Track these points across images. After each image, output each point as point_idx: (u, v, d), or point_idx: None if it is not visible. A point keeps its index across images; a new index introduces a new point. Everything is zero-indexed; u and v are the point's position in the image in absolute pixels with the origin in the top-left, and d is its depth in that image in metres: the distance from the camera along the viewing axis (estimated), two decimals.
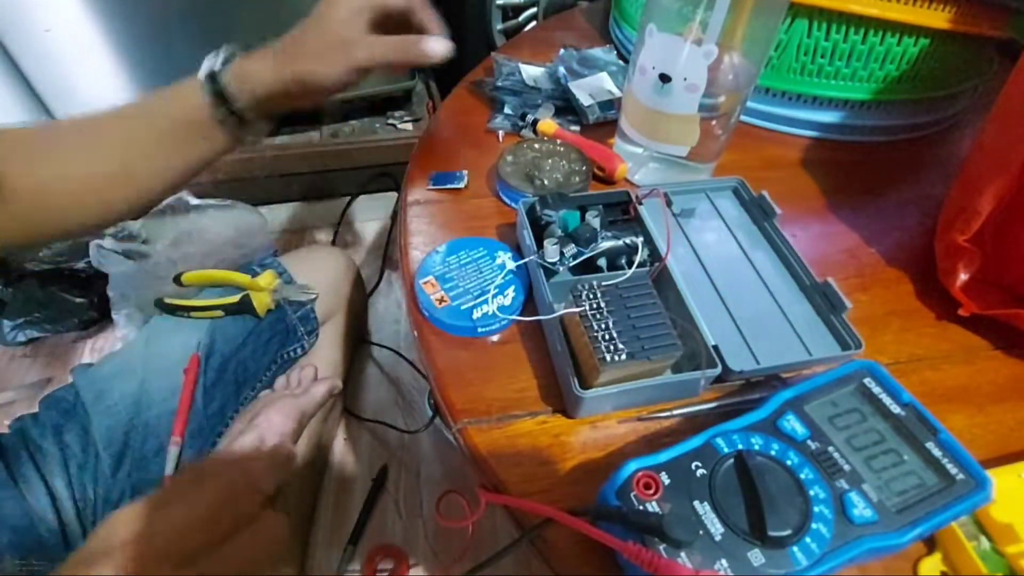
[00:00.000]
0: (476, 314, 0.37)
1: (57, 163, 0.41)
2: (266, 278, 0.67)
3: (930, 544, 0.29)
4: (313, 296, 0.72)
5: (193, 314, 0.65)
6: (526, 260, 0.38)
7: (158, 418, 0.61)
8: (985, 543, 0.28)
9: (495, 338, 0.37)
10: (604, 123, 0.55)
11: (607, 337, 0.30)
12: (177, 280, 0.67)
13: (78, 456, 0.58)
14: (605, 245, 0.37)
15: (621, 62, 0.62)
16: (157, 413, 0.61)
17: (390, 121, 1.33)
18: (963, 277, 0.40)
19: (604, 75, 0.59)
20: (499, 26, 1.40)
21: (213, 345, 0.65)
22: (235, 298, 0.65)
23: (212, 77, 0.41)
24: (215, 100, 0.41)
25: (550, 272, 0.37)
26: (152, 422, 0.60)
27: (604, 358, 0.29)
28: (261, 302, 0.66)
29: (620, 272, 0.35)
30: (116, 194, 0.44)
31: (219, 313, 0.65)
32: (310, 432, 0.74)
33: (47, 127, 0.46)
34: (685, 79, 0.40)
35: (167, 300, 0.65)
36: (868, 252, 0.45)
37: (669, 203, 0.42)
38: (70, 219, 0.44)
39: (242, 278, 0.66)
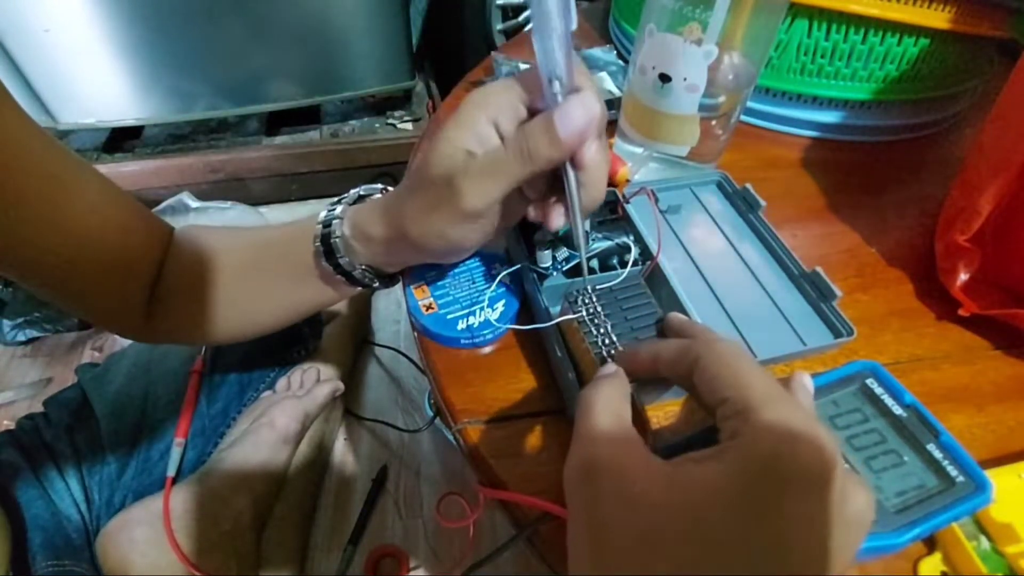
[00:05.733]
0: (461, 325, 0.36)
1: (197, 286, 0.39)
2: None
3: (930, 544, 0.29)
4: None
5: None
6: (518, 267, 0.37)
7: (164, 421, 0.61)
8: (985, 543, 0.28)
9: (487, 348, 0.37)
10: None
11: (606, 341, 0.30)
12: None
13: (88, 458, 0.58)
14: (596, 247, 0.37)
15: (621, 62, 0.62)
16: (163, 416, 0.61)
17: (390, 121, 1.33)
18: (963, 277, 0.40)
19: (604, 75, 0.59)
20: (499, 26, 1.40)
21: (219, 346, 0.65)
22: None
23: (326, 237, 0.34)
24: (328, 258, 0.34)
25: (543, 276, 0.36)
26: (159, 425, 0.60)
27: (606, 363, 0.29)
28: None
29: (614, 273, 0.35)
30: (224, 322, 0.41)
31: None
32: (312, 432, 0.74)
33: (217, 249, 0.40)
34: (685, 79, 0.40)
35: None
36: (868, 252, 0.45)
37: (656, 200, 0.42)
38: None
39: None
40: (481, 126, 0.27)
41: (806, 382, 0.24)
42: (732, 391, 0.20)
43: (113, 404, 0.60)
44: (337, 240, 0.33)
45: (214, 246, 0.40)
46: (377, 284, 0.36)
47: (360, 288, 0.36)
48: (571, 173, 0.27)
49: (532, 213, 0.31)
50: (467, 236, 0.29)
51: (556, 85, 0.25)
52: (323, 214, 0.34)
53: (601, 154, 0.27)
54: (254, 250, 0.39)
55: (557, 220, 0.29)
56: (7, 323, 1.01)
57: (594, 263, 0.37)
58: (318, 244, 0.34)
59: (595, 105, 0.25)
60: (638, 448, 0.21)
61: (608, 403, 0.22)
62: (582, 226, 0.30)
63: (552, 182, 0.29)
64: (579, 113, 0.25)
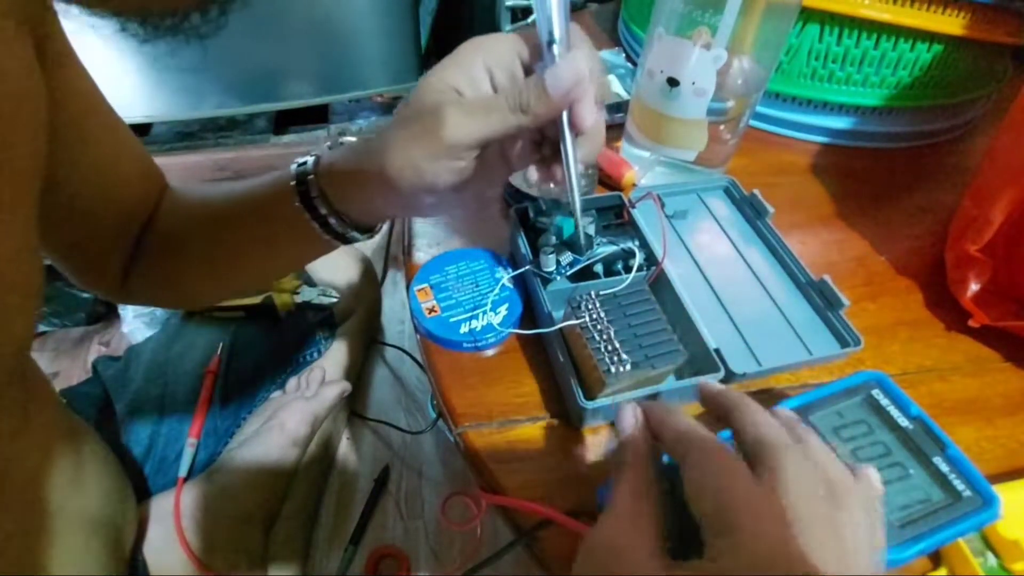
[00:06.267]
0: (464, 328, 0.36)
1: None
2: (287, 280, 0.68)
3: (935, 559, 0.29)
4: (334, 299, 0.72)
5: (216, 314, 0.65)
6: (521, 271, 0.37)
7: (180, 421, 0.61)
8: (992, 560, 0.28)
9: (490, 352, 0.37)
10: (611, 126, 0.54)
11: (609, 348, 0.30)
12: None
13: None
14: (601, 252, 0.36)
15: (630, 64, 0.62)
16: (179, 417, 0.61)
17: None
18: (974, 287, 0.39)
19: (612, 78, 0.58)
20: (508, 28, 1.40)
21: (234, 346, 0.65)
22: (257, 299, 0.65)
23: (301, 179, 0.33)
24: (305, 207, 0.33)
25: (547, 280, 0.36)
26: (175, 425, 0.61)
27: (609, 370, 0.29)
28: (283, 303, 0.66)
29: (618, 279, 0.34)
30: (198, 280, 0.41)
31: (240, 314, 0.66)
32: (320, 430, 0.74)
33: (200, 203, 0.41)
34: (693, 83, 0.40)
35: None
36: (877, 260, 0.45)
37: (662, 205, 0.42)
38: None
39: None
40: (476, 69, 0.28)
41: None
42: (713, 511, 0.20)
43: (131, 405, 0.60)
44: (311, 179, 0.32)
45: (192, 200, 0.41)
46: (349, 235, 0.34)
47: (333, 240, 0.34)
48: (568, 135, 0.28)
49: (534, 174, 0.31)
50: (440, 174, 0.28)
51: (553, 48, 0.26)
52: (301, 158, 0.34)
53: (596, 123, 0.28)
54: (233, 201, 0.38)
55: (555, 173, 0.30)
56: None
57: (598, 267, 0.37)
58: (293, 183, 0.33)
59: (582, 66, 0.26)
60: (642, 539, 0.21)
61: (629, 481, 0.23)
62: (578, 186, 0.29)
63: (551, 147, 0.30)
64: (567, 73, 0.25)
